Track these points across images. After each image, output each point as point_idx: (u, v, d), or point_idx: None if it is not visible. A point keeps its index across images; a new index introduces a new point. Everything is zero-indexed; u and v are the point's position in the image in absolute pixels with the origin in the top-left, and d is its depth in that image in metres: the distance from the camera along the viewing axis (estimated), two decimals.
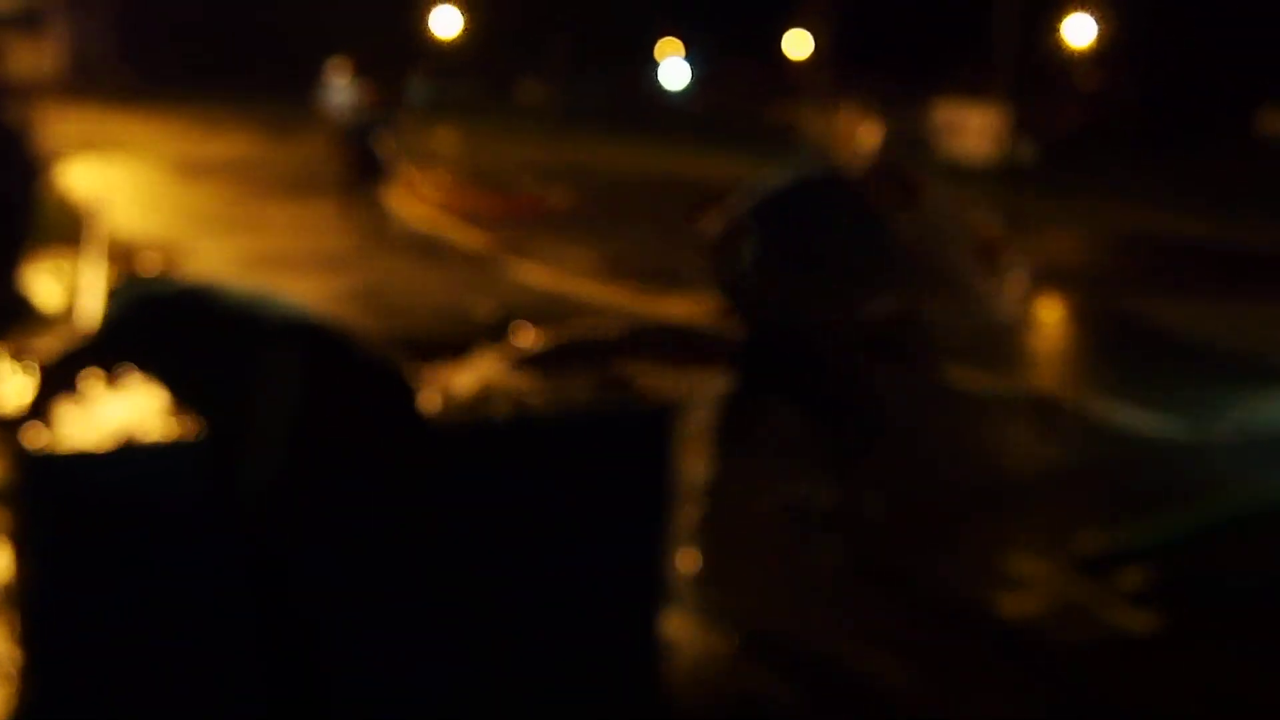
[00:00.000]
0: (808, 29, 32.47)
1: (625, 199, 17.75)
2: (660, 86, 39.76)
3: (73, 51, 36.13)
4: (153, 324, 3.26)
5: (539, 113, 36.85)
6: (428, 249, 12.54)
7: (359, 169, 13.00)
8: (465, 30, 40.24)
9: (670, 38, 40.77)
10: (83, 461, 3.16)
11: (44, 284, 8.73)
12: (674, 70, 40.32)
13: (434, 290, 10.15)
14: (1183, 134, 25.32)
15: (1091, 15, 28.70)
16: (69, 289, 8.91)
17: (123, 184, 16.21)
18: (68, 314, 8.16)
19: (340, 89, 14.58)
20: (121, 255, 10.48)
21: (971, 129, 24.27)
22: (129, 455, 3.17)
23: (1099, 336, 10.67)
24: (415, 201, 14.10)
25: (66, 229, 11.25)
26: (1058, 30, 28.56)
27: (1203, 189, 20.45)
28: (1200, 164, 22.93)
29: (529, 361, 3.96)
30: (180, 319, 3.27)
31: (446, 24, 40.26)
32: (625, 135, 28.50)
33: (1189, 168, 22.65)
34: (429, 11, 39.99)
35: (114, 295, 3.40)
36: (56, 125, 18.26)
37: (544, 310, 9.14)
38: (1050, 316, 11.03)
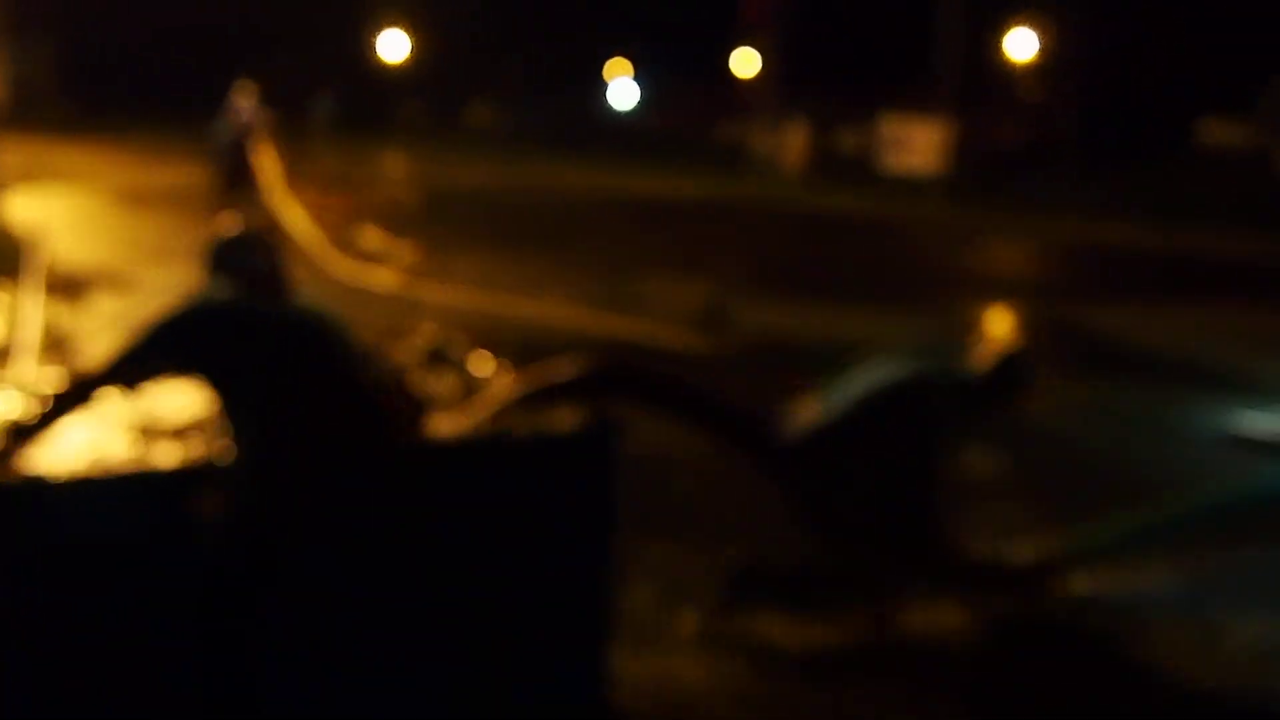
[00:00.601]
0: (755, 48, 32.65)
1: (571, 218, 17.73)
2: (609, 107, 39.84)
3: (12, 83, 35.60)
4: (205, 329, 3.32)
5: (487, 135, 36.83)
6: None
7: (228, 182, 14.16)
8: (413, 53, 40.18)
9: (619, 58, 40.90)
10: (36, 492, 3.12)
11: None
12: (623, 90, 40.42)
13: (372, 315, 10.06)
14: (1125, 145, 25.65)
15: (1033, 29, 29.03)
16: (6, 320, 8.76)
17: (66, 214, 16.00)
18: (5, 345, 8.00)
19: (242, 111, 15.09)
20: (62, 286, 10.32)
21: (917, 144, 24.51)
22: (83, 487, 3.15)
23: (1042, 344, 10.76)
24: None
25: (5, 260, 11.10)
26: (1001, 45, 28.85)
27: (1145, 199, 20.75)
28: (1143, 174, 23.27)
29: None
30: (231, 326, 3.34)
31: (394, 48, 40.18)
32: (573, 156, 28.51)
33: (1132, 178, 22.98)
34: (377, 35, 39.91)
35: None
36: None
37: (486, 332, 9.13)
38: (999, 326, 11.11)
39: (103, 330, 8.80)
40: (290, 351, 3.38)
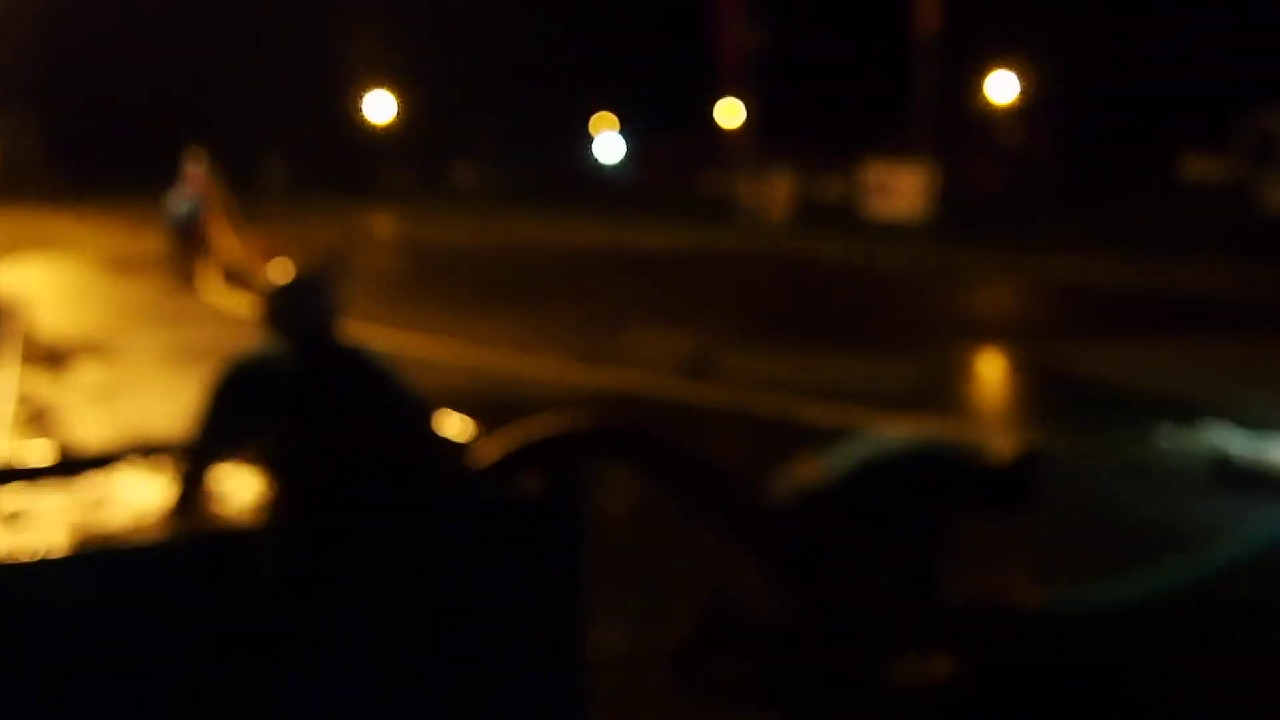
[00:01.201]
0: (736, 98, 32.92)
1: (556, 273, 17.78)
2: (595, 161, 40.06)
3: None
4: None
5: (473, 193, 37.03)
6: None
7: (181, 250, 15.38)
8: (399, 114, 40.43)
9: (605, 113, 41.20)
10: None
11: None
12: (609, 144, 40.67)
13: None
14: (1105, 183, 25.81)
15: (1013, 70, 29.31)
16: None
17: (49, 282, 16.04)
18: None
19: (194, 178, 15.90)
20: (43, 356, 10.30)
21: (900, 189, 24.65)
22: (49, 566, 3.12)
23: (1030, 385, 10.75)
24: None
25: None
26: (980, 87, 29.11)
27: (1127, 235, 20.83)
28: (1123, 211, 23.38)
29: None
30: None
31: (380, 108, 40.44)
32: (559, 211, 28.65)
33: (1112, 215, 23.09)
34: (362, 97, 40.18)
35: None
36: None
37: (478, 389, 9.13)
38: (987, 368, 11.11)
39: (85, 400, 8.78)
40: (330, 401, 3.40)
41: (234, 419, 3.38)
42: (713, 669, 4.46)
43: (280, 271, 3.61)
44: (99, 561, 3.16)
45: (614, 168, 39.64)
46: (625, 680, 4.33)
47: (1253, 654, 4.80)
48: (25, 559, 3.08)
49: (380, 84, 39.78)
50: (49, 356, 10.30)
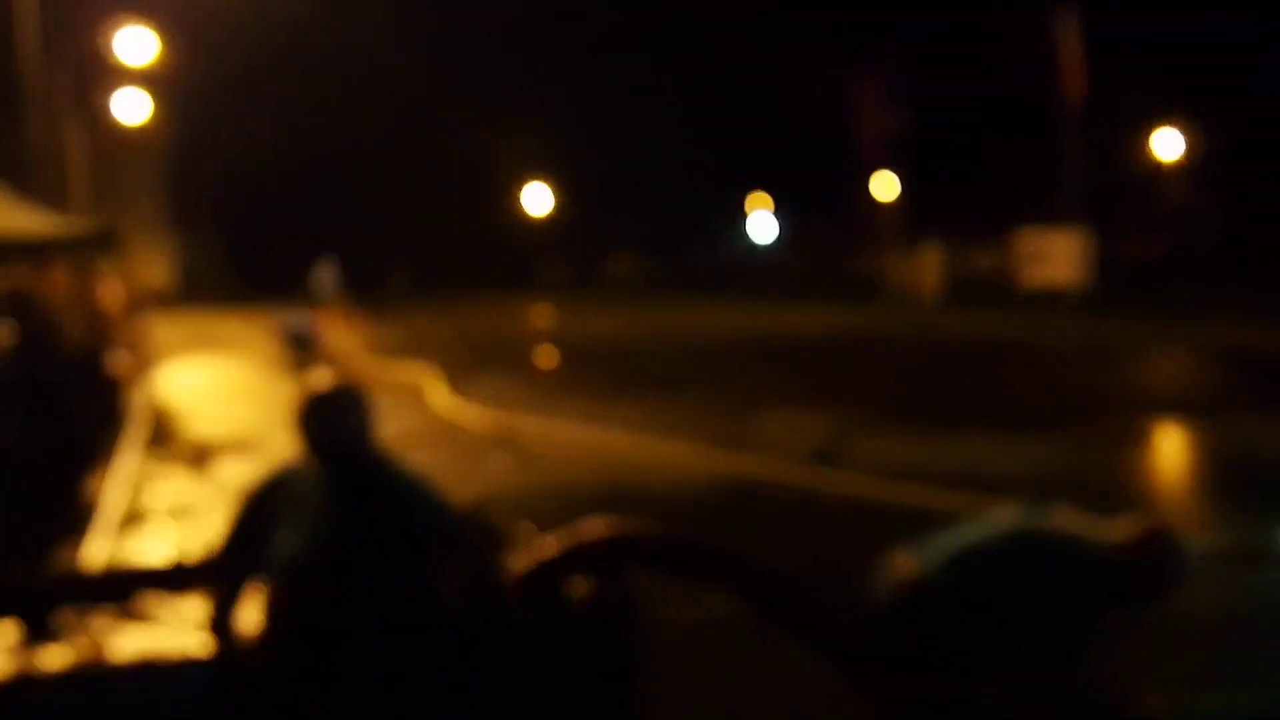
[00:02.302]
0: (896, 174, 32.67)
1: (703, 359, 17.72)
2: (748, 243, 40.22)
3: (183, 270, 38.51)
4: None
5: (628, 284, 37.46)
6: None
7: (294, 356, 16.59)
8: (555, 208, 41.38)
9: (759, 192, 41.37)
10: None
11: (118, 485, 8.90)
12: (762, 224, 40.79)
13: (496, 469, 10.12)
14: (1269, 245, 24.61)
15: (1178, 130, 28.38)
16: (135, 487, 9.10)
17: (218, 379, 16.72)
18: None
19: (324, 281, 17.00)
20: (194, 454, 10.68)
21: (1054, 255, 23.92)
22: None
23: (1190, 463, 10.19)
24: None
25: (154, 430, 11.64)
26: (1133, 149, 28.25)
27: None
28: None
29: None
30: None
31: (539, 201, 41.47)
32: (710, 298, 28.71)
33: (1277, 280, 21.92)
34: (520, 194, 41.31)
35: None
36: (166, 329, 19.13)
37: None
38: (1142, 447, 10.56)
39: (220, 495, 9.04)
40: (349, 520, 3.36)
41: (255, 533, 3.36)
42: None
43: (317, 384, 3.60)
44: (137, 676, 3.18)
45: (767, 248, 39.70)
46: None
47: None
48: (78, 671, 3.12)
49: (538, 178, 40.88)
50: (198, 454, 10.66)
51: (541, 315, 27.86)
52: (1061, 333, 19.19)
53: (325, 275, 16.99)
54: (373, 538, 3.35)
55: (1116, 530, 4.32)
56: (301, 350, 16.49)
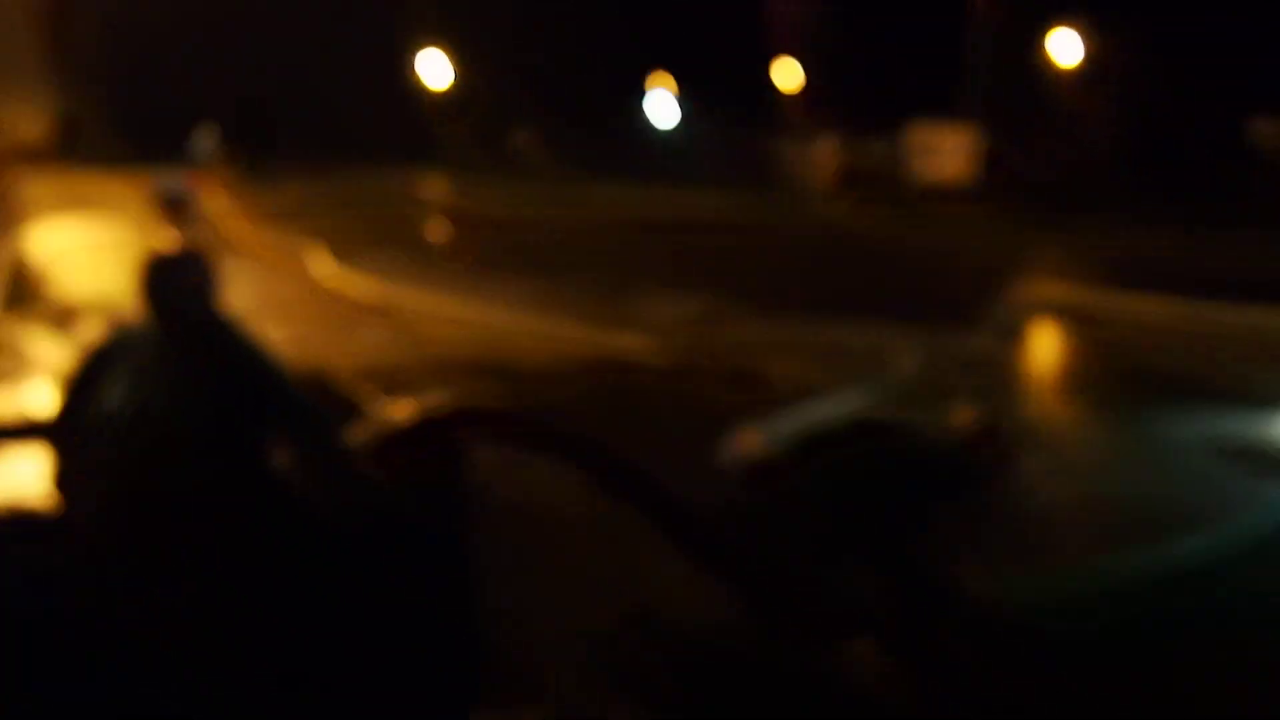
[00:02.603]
0: (800, 61, 32.47)
1: (588, 240, 17.67)
2: (649, 125, 39.89)
3: (62, 122, 36.88)
4: None
5: (527, 162, 37.05)
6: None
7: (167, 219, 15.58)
8: (456, 82, 40.50)
9: (661, 72, 40.90)
10: None
11: None
12: (662, 104, 40.45)
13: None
14: (1168, 150, 25.11)
15: (1076, 30, 28.51)
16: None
17: (90, 242, 16.25)
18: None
19: (204, 145, 16.44)
20: (56, 314, 10.39)
21: (946, 151, 24.15)
22: None
23: (1050, 358, 10.50)
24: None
25: (18, 291, 11.27)
26: (1040, 49, 28.37)
27: (1186, 205, 20.24)
28: (1184, 179, 22.73)
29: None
30: None
31: (438, 74, 40.52)
32: (609, 178, 28.52)
33: (1173, 184, 22.44)
34: (420, 64, 40.29)
35: None
36: (38, 187, 18.46)
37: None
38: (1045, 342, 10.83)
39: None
40: (183, 380, 3.31)
41: (91, 392, 3.30)
42: (637, 663, 4.31)
43: (163, 247, 3.55)
44: None
45: (667, 130, 39.43)
46: (542, 670, 4.19)
47: (1229, 644, 4.57)
48: None
49: (435, 48, 39.85)
50: (60, 316, 10.38)
51: (436, 188, 27.46)
52: (947, 229, 19.48)
53: (205, 138, 16.51)
54: (203, 402, 3.31)
55: (953, 421, 4.50)
56: (175, 213, 16.02)
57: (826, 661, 4.26)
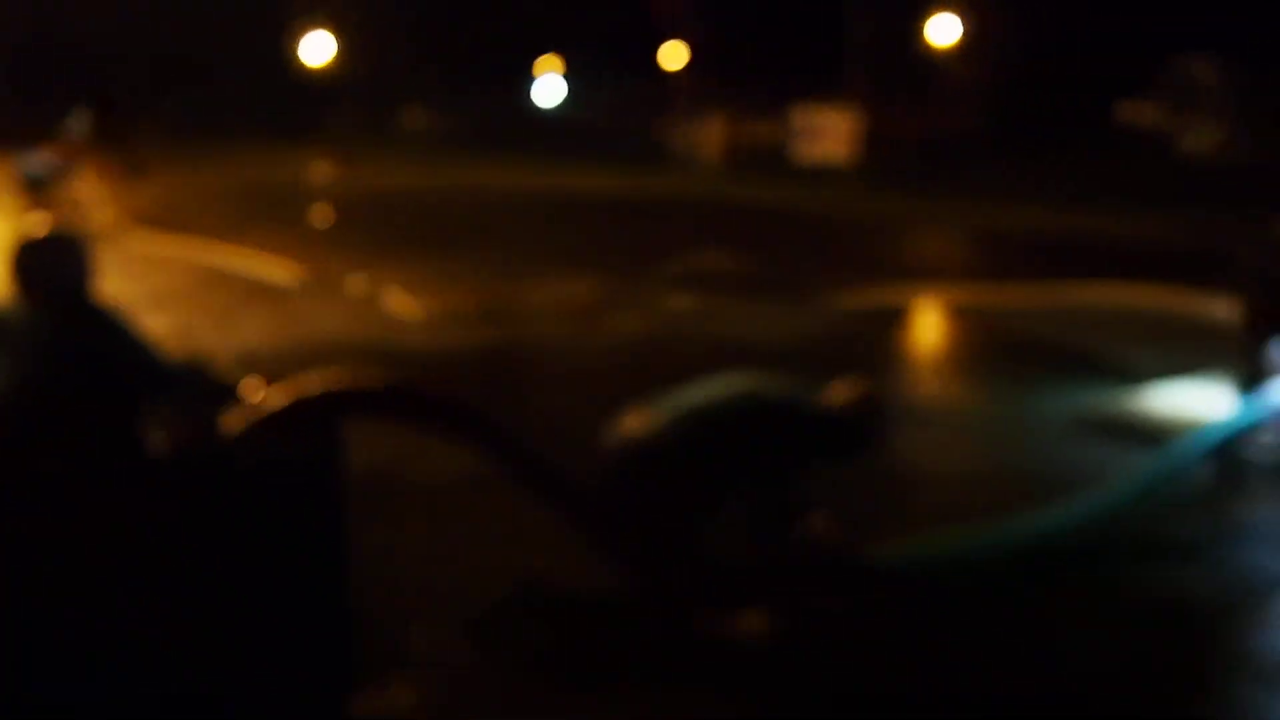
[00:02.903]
0: (685, 40, 32.66)
1: (484, 218, 17.64)
2: (535, 104, 39.79)
3: None
4: None
5: (418, 138, 36.65)
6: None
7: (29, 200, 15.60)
8: (340, 57, 39.81)
9: (550, 55, 40.75)
10: None
11: None
12: (549, 87, 40.32)
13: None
14: (1041, 129, 25.82)
15: (954, 14, 29.12)
16: None
17: None
18: None
19: (72, 123, 16.26)
20: None
21: (828, 132, 24.56)
22: None
23: (927, 333, 10.81)
24: None
25: None
26: (919, 32, 28.94)
27: (1056, 182, 20.88)
28: (1057, 158, 23.42)
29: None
30: None
31: (318, 50, 39.80)
32: (500, 156, 28.42)
33: (1044, 162, 23.11)
34: (301, 39, 39.53)
35: None
36: None
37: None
38: (887, 315, 11.10)
39: None
40: (63, 363, 3.33)
41: None
42: (513, 633, 4.41)
43: (33, 228, 3.55)
44: None
45: (555, 111, 39.36)
46: (423, 645, 4.28)
47: (1072, 603, 4.81)
48: None
49: (318, 25, 39.13)
50: None
51: (324, 169, 27.04)
52: (829, 205, 19.82)
53: (75, 116, 16.09)
54: (75, 384, 3.34)
55: (833, 392, 4.67)
56: (38, 194, 15.61)
57: (711, 627, 4.42)
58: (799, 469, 4.64)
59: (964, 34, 28.97)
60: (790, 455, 4.62)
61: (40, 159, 16.02)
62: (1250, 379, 6.11)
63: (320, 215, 17.81)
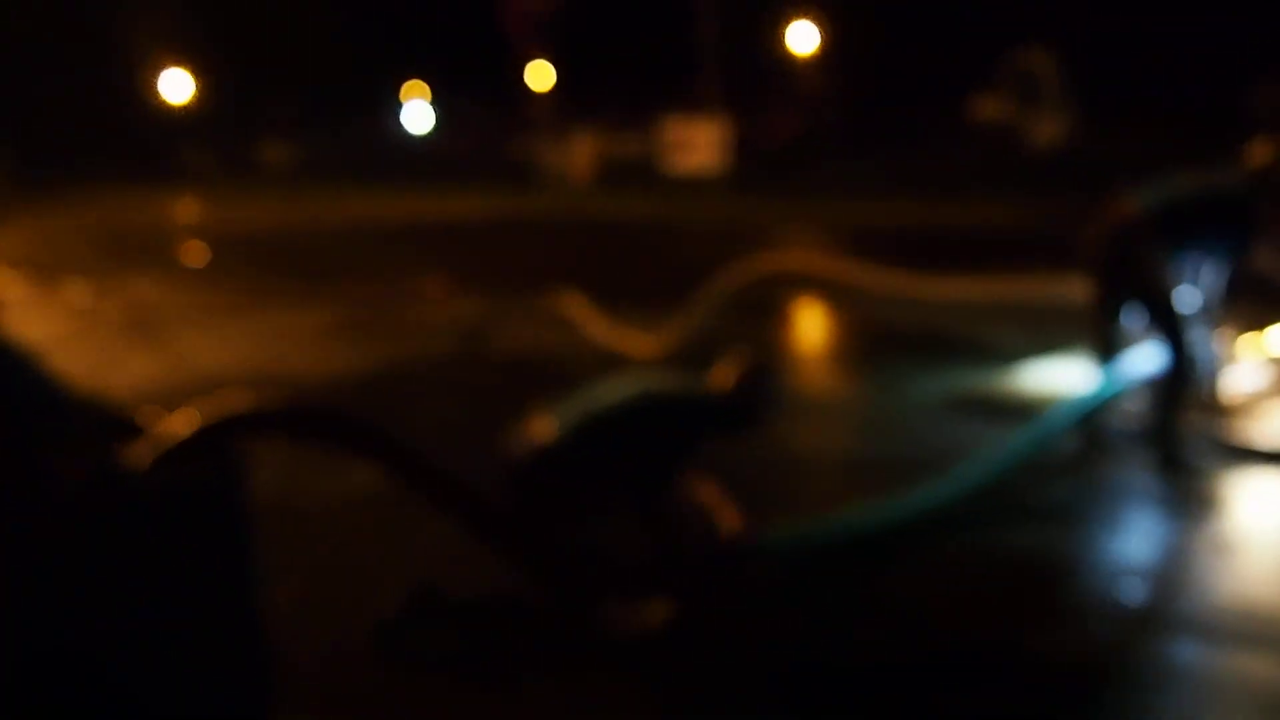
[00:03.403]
0: (540, 61, 32.87)
1: (348, 249, 17.57)
2: (404, 131, 39.58)
3: None
4: None
5: (279, 172, 36.19)
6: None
7: None
8: (198, 94, 39.17)
9: (416, 81, 40.60)
10: None
11: None
12: (418, 113, 40.18)
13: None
14: (897, 128, 26.63)
15: (810, 21, 29.89)
16: None
17: None
18: None
19: None
20: None
21: (696, 143, 24.99)
22: None
23: (796, 328, 11.13)
24: None
25: None
26: (778, 40, 29.62)
27: (913, 177, 21.59)
28: (912, 154, 24.19)
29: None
30: None
31: (177, 88, 39.15)
32: (366, 185, 28.25)
33: (902, 159, 23.87)
34: (158, 77, 38.81)
35: None
36: None
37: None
38: (757, 315, 11.39)
39: None
40: None
41: None
42: (416, 642, 4.49)
43: None
44: None
45: (422, 137, 39.23)
46: (328, 662, 4.37)
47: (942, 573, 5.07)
48: None
49: (175, 63, 38.48)
50: None
51: (186, 208, 26.60)
52: (699, 215, 20.20)
53: None
54: None
55: (719, 372, 4.85)
56: None
57: (604, 621, 4.57)
58: (684, 450, 4.78)
59: (822, 40, 29.74)
60: (683, 442, 4.76)
61: None
62: (1105, 353, 6.46)
63: (191, 255, 17.59)
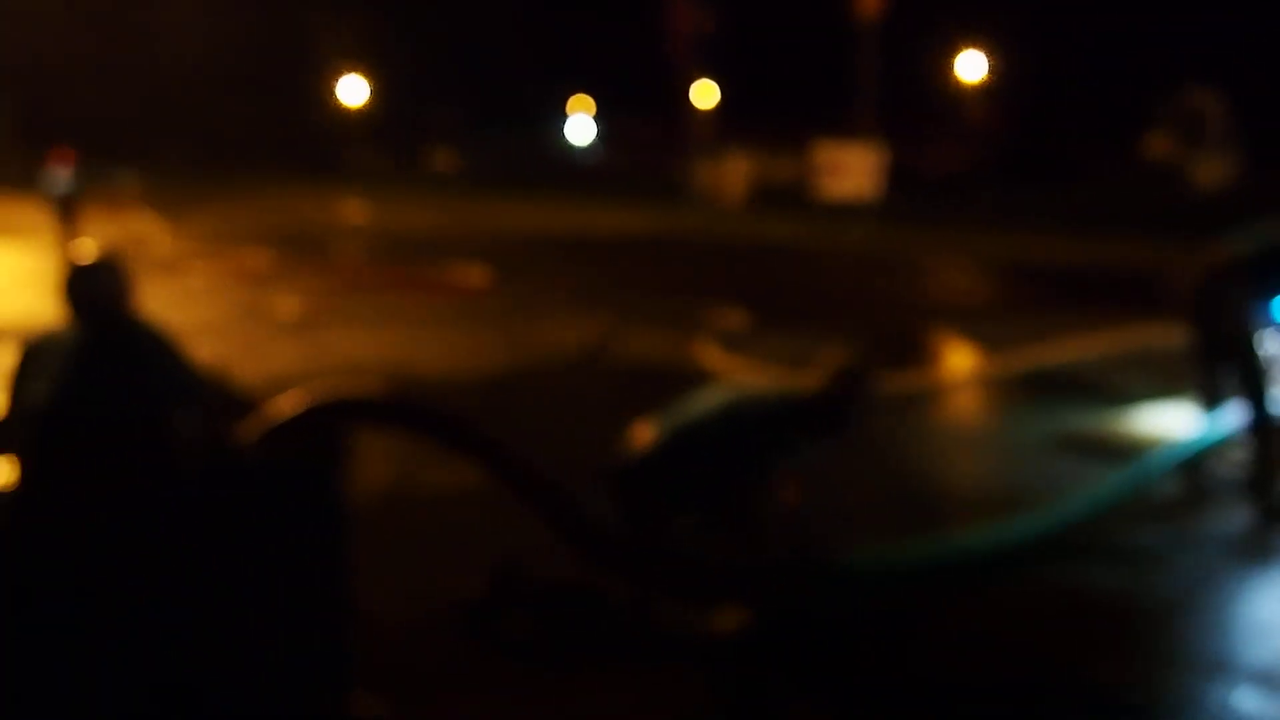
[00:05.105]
0: (703, 80, 33.14)
1: (499, 257, 18.04)
2: (566, 143, 40.29)
3: None
4: None
5: (444, 178, 37.14)
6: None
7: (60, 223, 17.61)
8: (373, 99, 40.59)
9: (582, 95, 41.36)
10: None
11: None
12: (581, 127, 40.88)
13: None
14: (1064, 162, 26.12)
15: (980, 51, 29.54)
16: None
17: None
18: None
19: (58, 175, 17.98)
20: None
21: (849, 168, 24.84)
22: None
23: (933, 362, 11.12)
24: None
25: None
26: (936, 68, 29.34)
27: (1075, 214, 21.13)
28: (1076, 190, 23.67)
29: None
30: None
31: (354, 92, 40.63)
32: (527, 195, 28.86)
33: (1065, 195, 23.36)
34: (335, 81, 40.35)
35: None
36: None
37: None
38: (896, 345, 11.40)
39: None
40: (104, 377, 3.74)
41: (28, 393, 3.72)
42: (502, 626, 4.70)
43: (80, 253, 3.98)
44: None
45: (584, 150, 39.88)
46: (413, 639, 4.61)
47: (1028, 603, 5.10)
48: None
49: (353, 68, 39.94)
50: None
51: (353, 209, 27.59)
52: (852, 241, 20.15)
53: (64, 170, 17.75)
54: (111, 391, 3.74)
55: (812, 376, 4.96)
56: (66, 210, 17.34)
57: (694, 624, 4.72)
58: (784, 457, 4.83)
59: (992, 68, 29.34)
60: (773, 446, 4.80)
61: (62, 176, 17.10)
62: (1209, 400, 6.40)
63: (353, 252, 18.33)
